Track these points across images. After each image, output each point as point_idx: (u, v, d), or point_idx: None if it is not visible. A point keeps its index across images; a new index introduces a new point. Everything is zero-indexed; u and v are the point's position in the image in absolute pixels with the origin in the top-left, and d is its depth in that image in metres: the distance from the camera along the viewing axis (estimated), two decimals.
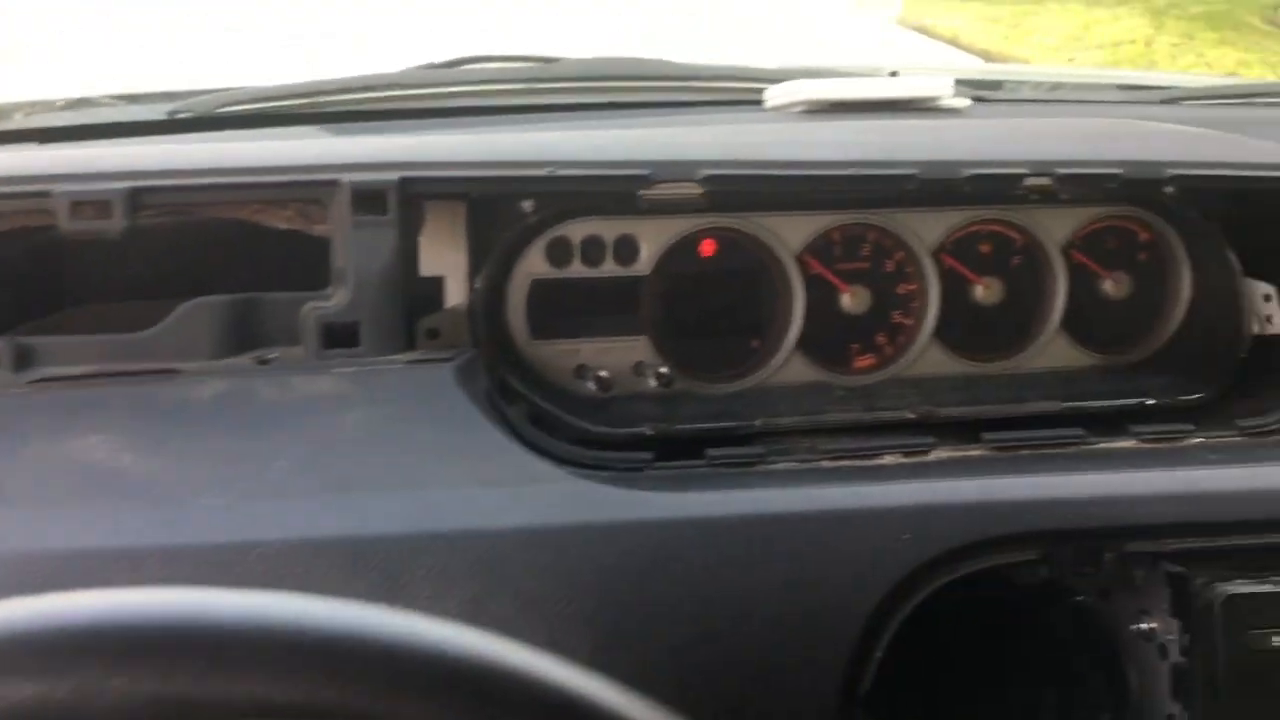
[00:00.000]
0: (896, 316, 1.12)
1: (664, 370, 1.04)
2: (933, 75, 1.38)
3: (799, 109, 1.38)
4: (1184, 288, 1.16)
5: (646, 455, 0.93)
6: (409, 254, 0.96)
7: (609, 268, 1.05)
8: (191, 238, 1.04)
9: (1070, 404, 1.05)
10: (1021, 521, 0.81)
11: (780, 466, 0.93)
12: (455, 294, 1.02)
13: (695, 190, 1.03)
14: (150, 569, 0.76)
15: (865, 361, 1.12)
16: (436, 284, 1.03)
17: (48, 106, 1.48)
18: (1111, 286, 1.15)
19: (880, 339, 1.12)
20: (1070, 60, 7.76)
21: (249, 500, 0.80)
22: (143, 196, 0.88)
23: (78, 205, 0.87)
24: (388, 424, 0.86)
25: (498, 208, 1.01)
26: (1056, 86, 1.71)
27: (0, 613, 0.44)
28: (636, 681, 0.64)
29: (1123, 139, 1.13)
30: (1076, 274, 1.14)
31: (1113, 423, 1.02)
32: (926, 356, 1.13)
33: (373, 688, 0.43)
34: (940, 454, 0.96)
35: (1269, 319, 1.12)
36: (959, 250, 1.12)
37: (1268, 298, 1.12)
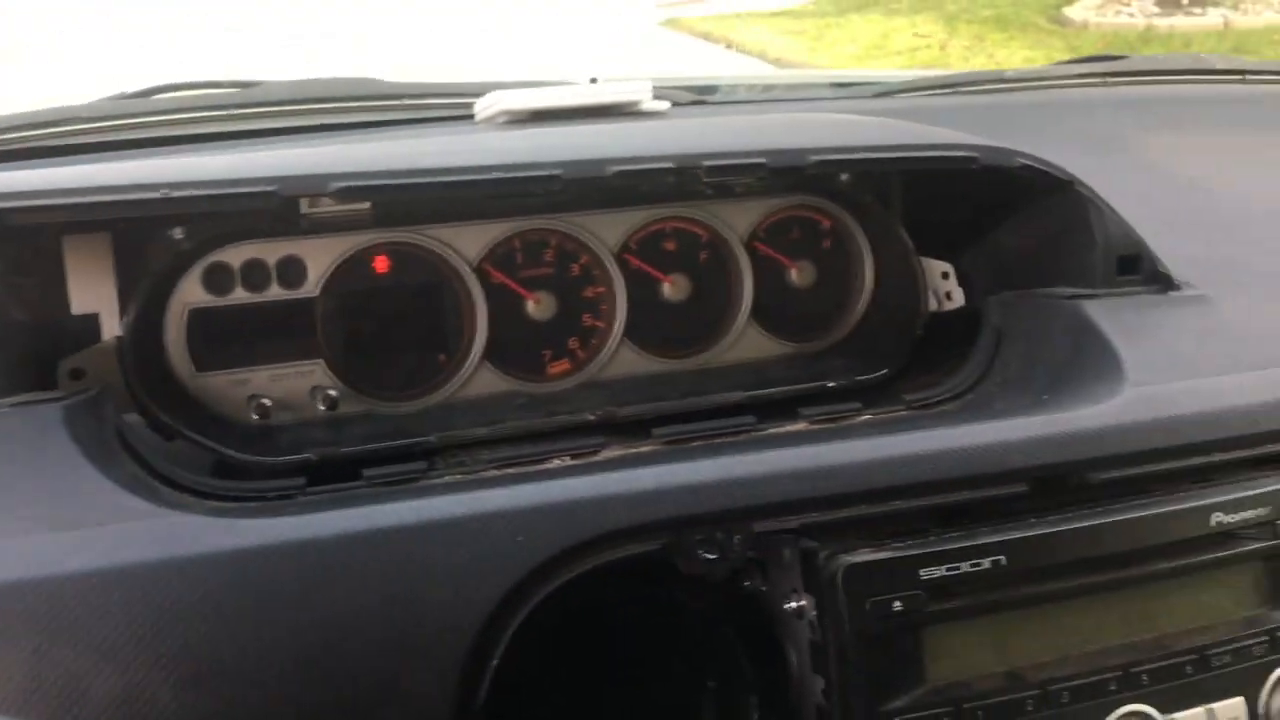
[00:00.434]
0: (587, 320, 1.12)
1: (332, 393, 1.01)
2: (633, 82, 1.39)
3: (502, 119, 1.38)
4: (867, 272, 1.18)
5: (300, 481, 0.89)
6: (29, 290, 0.91)
7: (275, 292, 1.02)
8: None
9: (750, 393, 1.06)
10: (638, 514, 0.80)
11: (444, 480, 0.91)
12: (111, 330, 0.98)
13: (361, 206, 1.01)
14: None
15: (559, 367, 1.11)
16: (92, 321, 0.99)
17: None
18: (797, 275, 1.17)
19: (573, 344, 1.12)
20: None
21: None
22: None
23: None
24: None
25: (148, 238, 0.97)
26: (771, 88, 1.75)
27: None
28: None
29: (781, 130, 1.15)
30: (762, 266, 1.15)
31: (787, 408, 1.03)
32: (619, 358, 1.12)
33: None
34: (610, 453, 0.96)
35: (949, 295, 1.16)
36: (644, 250, 1.13)
37: (945, 275, 1.16)
